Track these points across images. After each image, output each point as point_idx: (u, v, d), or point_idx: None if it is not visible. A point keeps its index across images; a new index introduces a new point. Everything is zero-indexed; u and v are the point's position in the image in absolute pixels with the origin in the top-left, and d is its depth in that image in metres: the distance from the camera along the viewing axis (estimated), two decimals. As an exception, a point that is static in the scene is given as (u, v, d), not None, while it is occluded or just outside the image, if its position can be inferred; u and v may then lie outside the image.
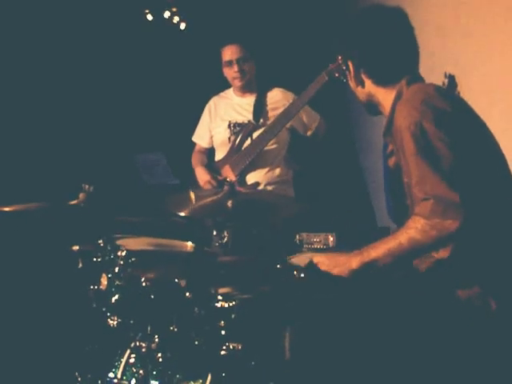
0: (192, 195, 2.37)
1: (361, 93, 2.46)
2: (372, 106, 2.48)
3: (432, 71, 2.82)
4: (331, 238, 3.42)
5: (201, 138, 4.35)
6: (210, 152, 4.32)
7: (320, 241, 3.43)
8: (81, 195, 2.58)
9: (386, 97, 2.39)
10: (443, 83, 3.36)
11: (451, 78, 3.34)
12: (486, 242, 2.16)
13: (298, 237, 3.46)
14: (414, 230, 2.12)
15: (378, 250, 2.20)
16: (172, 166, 4.31)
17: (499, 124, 2.71)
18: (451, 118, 2.17)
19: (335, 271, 2.28)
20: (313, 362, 2.23)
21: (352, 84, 2.48)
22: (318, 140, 4.21)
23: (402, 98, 2.31)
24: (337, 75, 3.69)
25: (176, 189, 4.14)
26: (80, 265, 2.59)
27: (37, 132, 4.60)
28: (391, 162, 2.47)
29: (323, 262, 2.33)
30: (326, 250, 3.35)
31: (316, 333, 2.27)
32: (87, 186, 2.56)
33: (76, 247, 2.60)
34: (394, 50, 2.35)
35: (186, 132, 4.44)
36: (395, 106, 2.32)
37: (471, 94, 3.32)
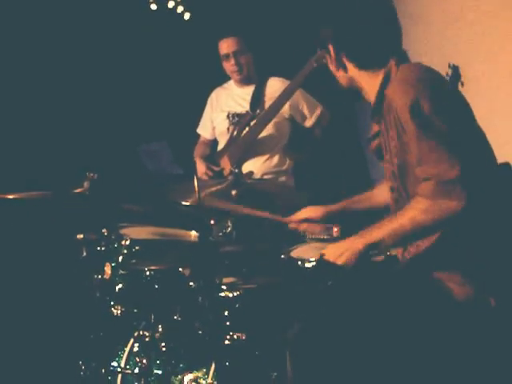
0: (195, 184, 2.35)
1: (342, 77, 2.37)
2: (353, 92, 2.39)
3: (435, 63, 2.79)
4: (335, 229, 3.41)
5: (204, 129, 4.37)
6: (215, 143, 4.32)
7: (323, 231, 3.42)
8: (85, 183, 2.58)
9: (370, 81, 2.31)
10: (446, 73, 3.32)
11: (455, 69, 3.31)
12: (485, 226, 2.14)
13: (301, 227, 3.45)
14: (417, 210, 2.08)
15: (381, 231, 2.17)
16: (177, 156, 4.31)
17: (503, 117, 2.71)
18: (447, 93, 2.14)
19: (343, 258, 2.22)
20: (315, 356, 2.21)
21: (332, 68, 2.38)
22: (320, 130, 4.19)
23: (395, 77, 2.23)
24: (325, 61, 3.68)
25: (179, 178, 4.13)
26: (84, 253, 2.59)
27: (41, 120, 4.58)
28: (373, 144, 2.40)
29: (329, 252, 2.28)
30: (329, 240, 3.34)
31: (319, 326, 2.25)
32: (91, 175, 2.55)
33: (80, 236, 2.60)
34: (378, 31, 2.25)
35: (193, 123, 4.43)
36: (384, 88, 2.24)
37: (475, 85, 3.31)
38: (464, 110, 2.19)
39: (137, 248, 2.62)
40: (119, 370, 2.68)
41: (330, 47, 2.33)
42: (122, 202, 2.67)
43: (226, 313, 2.46)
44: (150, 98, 5.07)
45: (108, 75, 4.91)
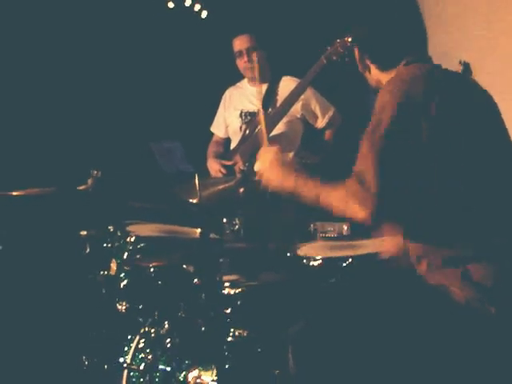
0: (196, 181, 2.37)
1: (369, 79, 2.42)
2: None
3: (448, 58, 2.76)
4: (345, 227, 3.41)
5: (217, 127, 4.40)
6: (229, 142, 4.33)
7: (334, 229, 3.43)
8: (89, 181, 2.60)
9: None
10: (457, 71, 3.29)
11: (466, 66, 3.29)
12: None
13: (312, 225, 3.46)
14: (336, 194, 2.16)
15: (309, 190, 2.25)
16: (190, 154, 4.32)
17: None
18: (422, 107, 2.11)
19: (270, 182, 2.34)
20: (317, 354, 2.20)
21: (360, 69, 2.43)
22: (332, 132, 4.17)
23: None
24: (334, 58, 3.68)
25: (190, 176, 4.13)
26: (87, 250, 2.61)
27: (49, 117, 4.60)
28: None
29: (268, 170, 2.38)
30: (339, 238, 3.34)
31: (322, 324, 2.24)
32: (95, 172, 2.57)
33: (84, 232, 2.62)
34: (396, 35, 2.29)
35: (207, 121, 4.45)
36: None
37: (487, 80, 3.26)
38: (459, 119, 2.16)
39: (142, 245, 2.63)
40: (125, 365, 2.69)
41: (356, 49, 2.38)
42: (126, 200, 2.68)
43: (229, 310, 2.47)
44: (164, 96, 5.08)
45: (122, 72, 4.92)
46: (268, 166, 2.39)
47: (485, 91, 2.31)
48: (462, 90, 2.25)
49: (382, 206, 2.08)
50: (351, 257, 2.58)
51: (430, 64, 2.31)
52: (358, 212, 2.09)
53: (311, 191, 2.25)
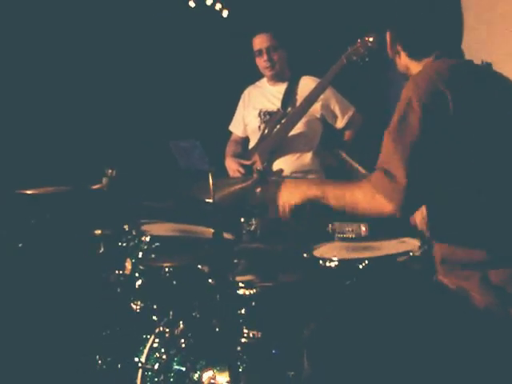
0: (210, 180, 2.35)
1: (399, 64, 2.38)
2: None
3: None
4: (363, 228, 3.37)
5: (236, 127, 4.37)
6: (247, 141, 4.31)
7: (352, 230, 3.39)
8: (104, 180, 2.59)
9: (416, 71, 2.28)
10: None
11: (488, 66, 3.23)
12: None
13: (330, 226, 3.43)
14: (361, 190, 2.13)
15: (334, 192, 2.23)
16: (209, 154, 4.31)
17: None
18: (446, 102, 2.08)
19: (291, 194, 2.31)
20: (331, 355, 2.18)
21: (390, 55, 2.39)
22: (352, 132, 4.14)
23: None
24: (355, 58, 3.67)
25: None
26: (102, 249, 2.60)
27: (66, 116, 4.61)
28: None
29: (285, 186, 2.37)
30: (357, 239, 3.31)
31: (336, 325, 2.22)
32: (110, 171, 2.57)
33: (98, 231, 2.62)
34: (432, 24, 2.25)
35: (226, 120, 4.42)
36: None
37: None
38: (482, 115, 2.12)
39: (157, 244, 2.62)
40: (140, 365, 2.69)
41: (388, 34, 2.35)
42: (142, 199, 2.68)
43: (243, 311, 2.45)
44: (183, 95, 5.07)
45: (142, 71, 4.93)
46: (281, 191, 2.37)
47: None
48: (489, 87, 2.20)
49: (411, 200, 2.04)
50: (368, 258, 2.55)
51: (460, 59, 2.27)
52: (386, 205, 2.04)
53: (336, 192, 2.22)
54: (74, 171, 3.42)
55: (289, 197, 2.32)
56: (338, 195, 2.21)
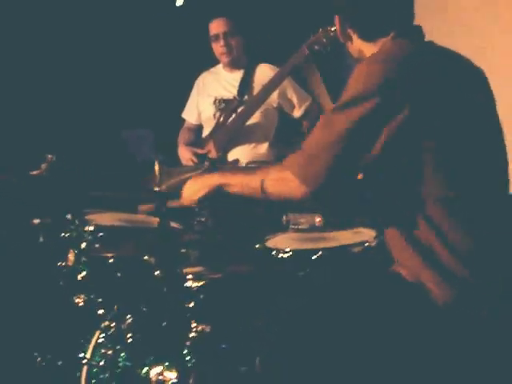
0: (156, 168, 2.29)
1: (351, 49, 2.27)
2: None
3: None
4: (318, 219, 3.32)
5: (189, 114, 4.27)
6: (200, 129, 4.23)
7: (307, 221, 3.34)
8: (43, 165, 2.49)
9: (371, 53, 2.18)
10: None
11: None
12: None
13: (285, 217, 3.37)
14: (274, 169, 2.14)
15: (234, 178, 2.27)
16: (161, 142, 4.24)
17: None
18: (398, 87, 1.99)
19: (200, 193, 2.34)
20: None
21: (342, 40, 2.28)
22: (309, 123, 4.06)
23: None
24: (317, 48, 3.60)
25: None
26: (41, 239, 2.50)
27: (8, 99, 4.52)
28: None
29: (187, 188, 2.40)
30: (311, 230, 3.25)
31: (289, 319, 2.16)
32: (50, 156, 2.46)
33: (37, 220, 2.51)
34: (383, 2, 2.14)
35: (179, 108, 4.33)
36: None
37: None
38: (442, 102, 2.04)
39: (101, 234, 2.52)
40: (84, 361, 2.61)
41: (336, 18, 2.24)
42: (86, 187, 2.58)
43: (192, 304, 2.37)
44: (135, 83, 4.99)
45: (92, 58, 4.84)
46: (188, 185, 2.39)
47: (479, 70, 2.19)
48: (453, 72, 2.11)
49: (328, 187, 2.01)
50: (322, 249, 2.48)
51: (420, 41, 2.18)
52: (299, 190, 2.02)
53: (245, 178, 2.23)
54: (13, 158, 3.30)
55: (191, 188, 2.36)
56: (246, 180, 2.21)
